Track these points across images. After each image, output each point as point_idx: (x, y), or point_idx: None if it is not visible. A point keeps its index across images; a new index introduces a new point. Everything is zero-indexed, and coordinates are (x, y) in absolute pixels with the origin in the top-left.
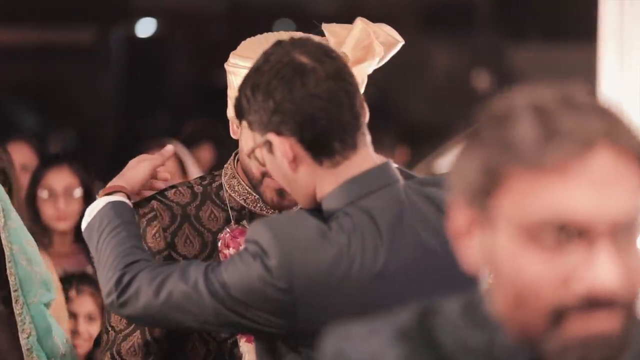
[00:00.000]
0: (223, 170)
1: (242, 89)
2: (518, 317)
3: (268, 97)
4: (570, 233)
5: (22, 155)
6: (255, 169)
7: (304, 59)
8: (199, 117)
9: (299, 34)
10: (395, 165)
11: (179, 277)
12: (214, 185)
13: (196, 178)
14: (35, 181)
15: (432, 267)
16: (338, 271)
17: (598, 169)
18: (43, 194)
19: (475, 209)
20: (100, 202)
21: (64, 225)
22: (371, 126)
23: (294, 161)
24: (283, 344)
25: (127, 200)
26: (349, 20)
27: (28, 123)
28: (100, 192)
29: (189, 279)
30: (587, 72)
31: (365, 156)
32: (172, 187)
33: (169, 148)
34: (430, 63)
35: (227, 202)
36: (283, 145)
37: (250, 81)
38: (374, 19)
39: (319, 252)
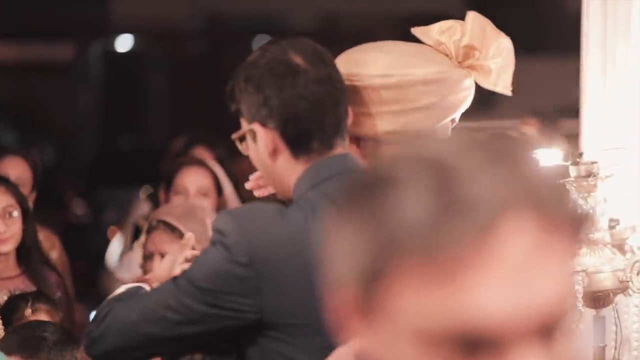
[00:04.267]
0: None
1: (236, 77)
2: None
3: (259, 91)
4: (480, 344)
5: (16, 170)
6: None
7: (298, 60)
8: (178, 132)
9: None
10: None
11: (152, 292)
12: None
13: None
14: None
15: None
16: (296, 244)
17: (514, 253)
18: None
19: (360, 293)
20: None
21: (6, 247)
22: None
23: (274, 153)
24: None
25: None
26: (328, 35)
27: (6, 139)
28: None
29: (159, 290)
30: (567, 84)
31: (338, 153)
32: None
33: (189, 236)
34: None
35: None
36: (266, 137)
37: (245, 72)
38: (352, 34)
39: (275, 227)
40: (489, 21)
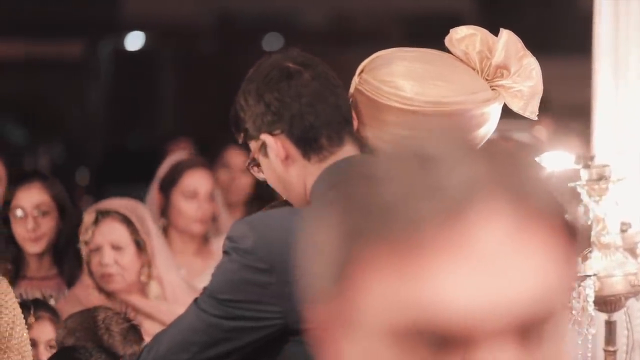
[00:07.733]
0: None
1: (236, 99)
2: None
3: (259, 100)
4: (449, 342)
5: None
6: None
7: (289, 64)
8: (187, 130)
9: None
10: None
11: (176, 320)
12: None
13: None
14: (6, 201)
15: None
16: None
17: (485, 240)
18: (17, 213)
19: (332, 294)
20: None
21: (37, 247)
22: None
23: (286, 159)
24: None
25: None
26: (338, 34)
27: (15, 137)
28: None
29: (183, 316)
30: (581, 86)
31: (350, 150)
32: None
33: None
34: None
35: None
36: (276, 144)
37: (243, 90)
38: (362, 32)
39: (291, 228)
40: (519, 39)
